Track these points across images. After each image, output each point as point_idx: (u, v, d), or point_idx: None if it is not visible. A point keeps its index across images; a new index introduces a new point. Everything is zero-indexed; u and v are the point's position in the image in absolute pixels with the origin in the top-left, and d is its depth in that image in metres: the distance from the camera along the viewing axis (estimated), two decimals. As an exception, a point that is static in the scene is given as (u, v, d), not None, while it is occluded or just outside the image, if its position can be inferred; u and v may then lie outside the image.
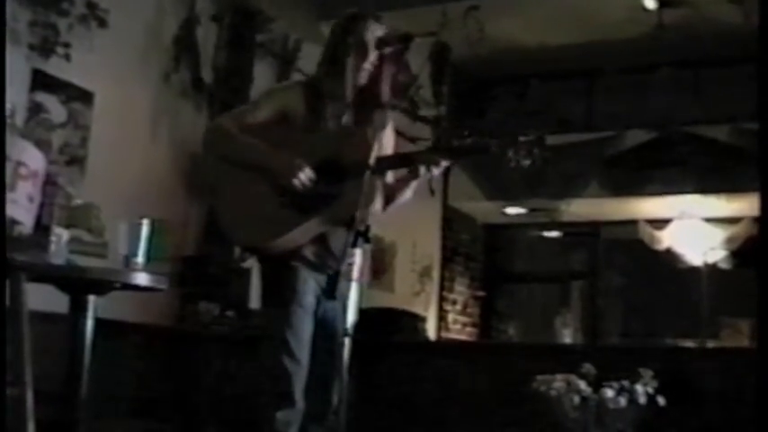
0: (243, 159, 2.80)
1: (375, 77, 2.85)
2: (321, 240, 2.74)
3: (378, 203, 2.79)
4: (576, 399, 4.02)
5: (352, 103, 2.86)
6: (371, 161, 2.46)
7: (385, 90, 2.83)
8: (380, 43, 2.81)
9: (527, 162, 2.72)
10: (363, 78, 2.85)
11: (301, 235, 2.71)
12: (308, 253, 2.73)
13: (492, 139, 2.77)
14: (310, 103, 2.84)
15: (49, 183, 2.88)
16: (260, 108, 2.91)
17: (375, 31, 2.85)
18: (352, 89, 2.85)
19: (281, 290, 2.73)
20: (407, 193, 2.93)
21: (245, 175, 2.79)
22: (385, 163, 2.79)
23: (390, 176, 2.90)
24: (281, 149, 2.75)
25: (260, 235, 2.76)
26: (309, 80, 2.98)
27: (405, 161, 2.88)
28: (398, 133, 3.15)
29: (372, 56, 2.83)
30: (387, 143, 2.92)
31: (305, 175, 2.70)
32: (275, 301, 2.75)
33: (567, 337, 9.80)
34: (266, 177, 2.75)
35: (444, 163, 2.78)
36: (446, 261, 9.28)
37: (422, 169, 2.78)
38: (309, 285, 2.73)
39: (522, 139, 2.72)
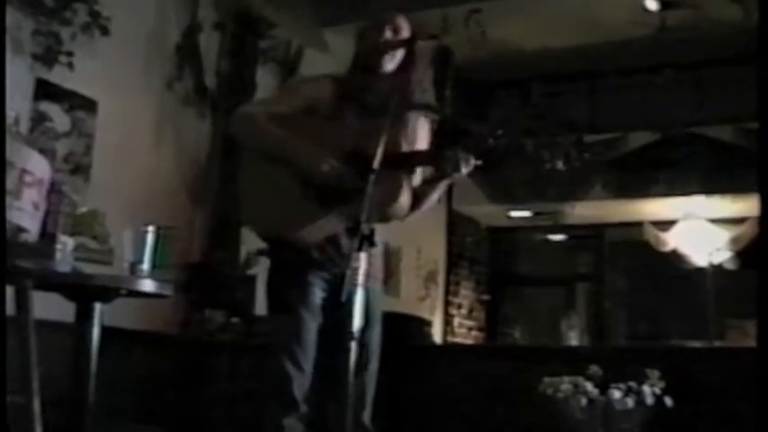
0: (269, 150, 2.77)
1: (402, 76, 2.83)
2: (333, 240, 2.70)
3: (405, 201, 2.73)
4: (584, 401, 4.01)
5: (380, 103, 2.83)
6: (377, 161, 2.41)
7: (411, 87, 2.81)
8: (409, 41, 2.81)
9: (561, 164, 2.71)
10: (384, 80, 2.82)
11: (322, 229, 2.69)
12: (317, 253, 2.70)
13: (526, 139, 2.75)
14: (337, 97, 2.82)
15: (54, 191, 2.88)
16: (289, 99, 2.89)
17: (401, 27, 2.86)
18: (376, 87, 2.83)
19: (287, 293, 2.71)
20: (434, 196, 2.87)
21: (270, 166, 2.75)
22: (413, 159, 2.76)
23: (418, 178, 2.82)
24: (308, 142, 2.71)
25: (279, 225, 2.73)
26: (341, 77, 2.93)
27: (431, 158, 2.83)
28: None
29: (395, 56, 2.83)
30: (418, 139, 2.85)
31: (329, 166, 2.66)
32: (281, 306, 2.73)
33: (574, 339, 9.79)
34: (291, 169, 2.71)
35: (474, 162, 2.72)
36: (451, 265, 9.27)
37: (450, 168, 2.73)
38: (317, 287, 2.71)
39: (560, 140, 2.72)
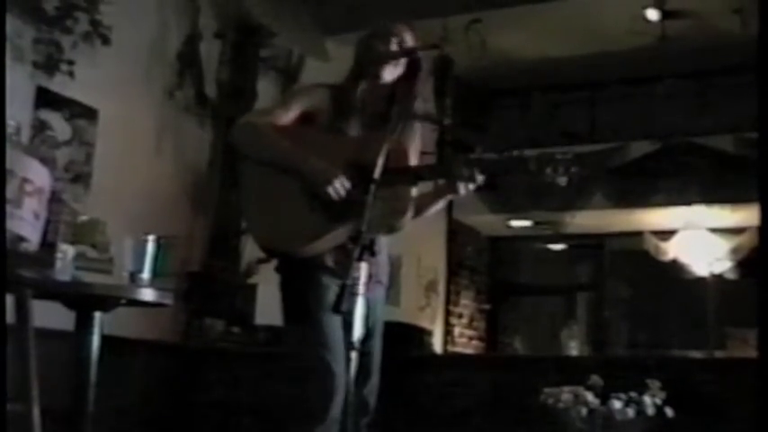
0: (275, 161, 2.74)
1: (405, 86, 2.83)
2: (342, 247, 2.66)
3: (409, 214, 2.71)
4: (584, 411, 4.00)
5: (380, 113, 2.82)
6: (377, 171, 2.40)
7: (414, 98, 2.81)
8: (411, 51, 2.81)
9: (564, 179, 2.72)
10: (384, 90, 2.83)
11: (329, 242, 2.66)
12: (329, 260, 2.69)
13: (528, 155, 2.75)
14: (336, 107, 2.82)
15: (55, 199, 2.88)
16: (289, 107, 2.85)
17: (405, 39, 2.83)
18: (376, 97, 2.83)
19: (306, 302, 2.68)
20: (433, 209, 2.89)
21: (275, 177, 2.73)
22: (422, 173, 2.75)
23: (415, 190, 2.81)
24: (314, 154, 2.69)
25: (288, 240, 2.70)
26: (338, 86, 2.91)
27: (440, 173, 2.82)
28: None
29: (398, 66, 2.81)
30: (419, 149, 2.86)
31: (339, 184, 2.64)
32: (301, 316, 2.69)
33: (574, 349, 9.77)
34: (297, 180, 2.69)
35: (481, 179, 2.73)
36: (451, 274, 9.27)
37: (461, 186, 2.73)
38: (333, 291, 2.56)
39: (559, 156, 2.71)
